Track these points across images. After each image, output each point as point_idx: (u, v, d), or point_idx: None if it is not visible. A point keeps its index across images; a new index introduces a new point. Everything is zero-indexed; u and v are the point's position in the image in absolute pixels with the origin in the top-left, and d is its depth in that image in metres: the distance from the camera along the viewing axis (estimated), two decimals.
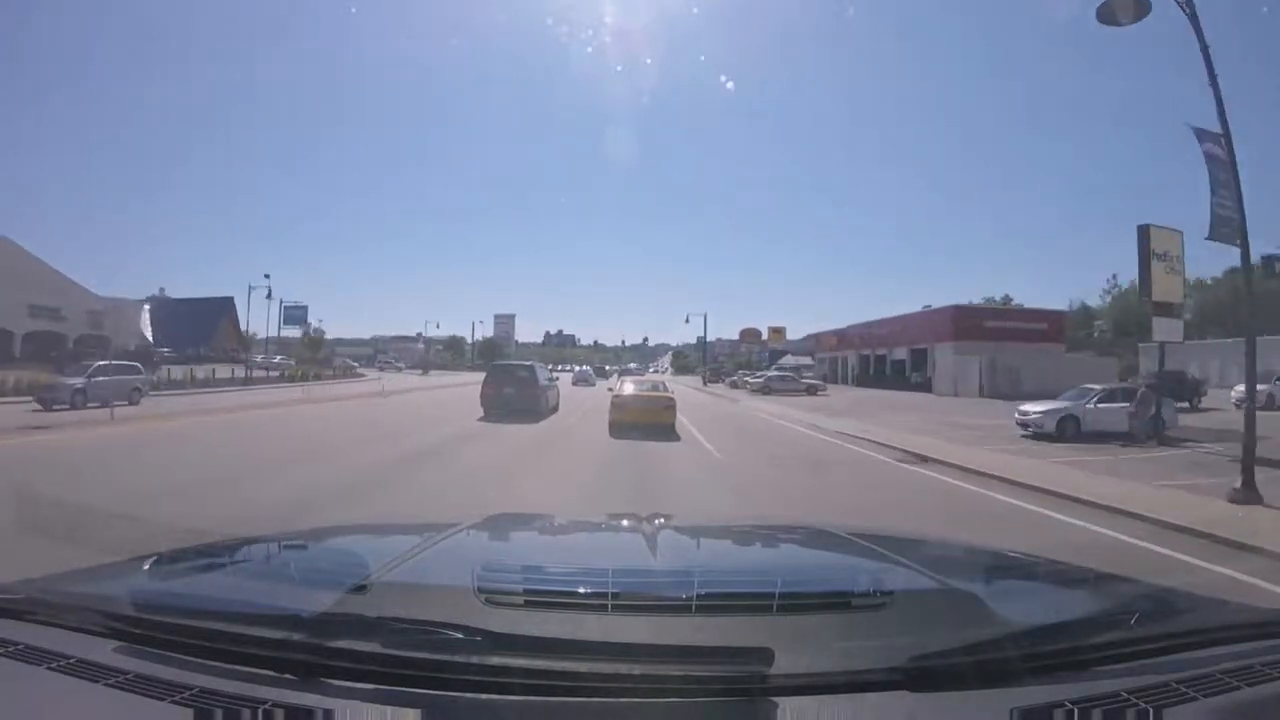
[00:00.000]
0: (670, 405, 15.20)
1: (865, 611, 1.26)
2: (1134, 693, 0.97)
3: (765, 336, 67.22)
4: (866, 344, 55.88)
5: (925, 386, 42.72)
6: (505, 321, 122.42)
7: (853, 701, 0.95)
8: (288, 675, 0.99)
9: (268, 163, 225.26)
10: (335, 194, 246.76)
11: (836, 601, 1.34)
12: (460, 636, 0.98)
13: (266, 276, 69.04)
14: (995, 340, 41.15)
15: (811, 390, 39.51)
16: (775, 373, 45.49)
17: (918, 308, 53.56)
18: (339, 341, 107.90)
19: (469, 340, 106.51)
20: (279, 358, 54.57)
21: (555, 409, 19.82)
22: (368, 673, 0.97)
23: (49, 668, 1.05)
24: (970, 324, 43.47)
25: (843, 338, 61.25)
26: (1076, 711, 0.93)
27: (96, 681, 1.00)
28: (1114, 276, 68.91)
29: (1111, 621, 1.23)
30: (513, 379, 18.90)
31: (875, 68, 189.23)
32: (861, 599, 1.31)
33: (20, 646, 1.11)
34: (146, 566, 1.60)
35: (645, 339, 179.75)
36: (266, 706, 0.91)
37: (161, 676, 1.00)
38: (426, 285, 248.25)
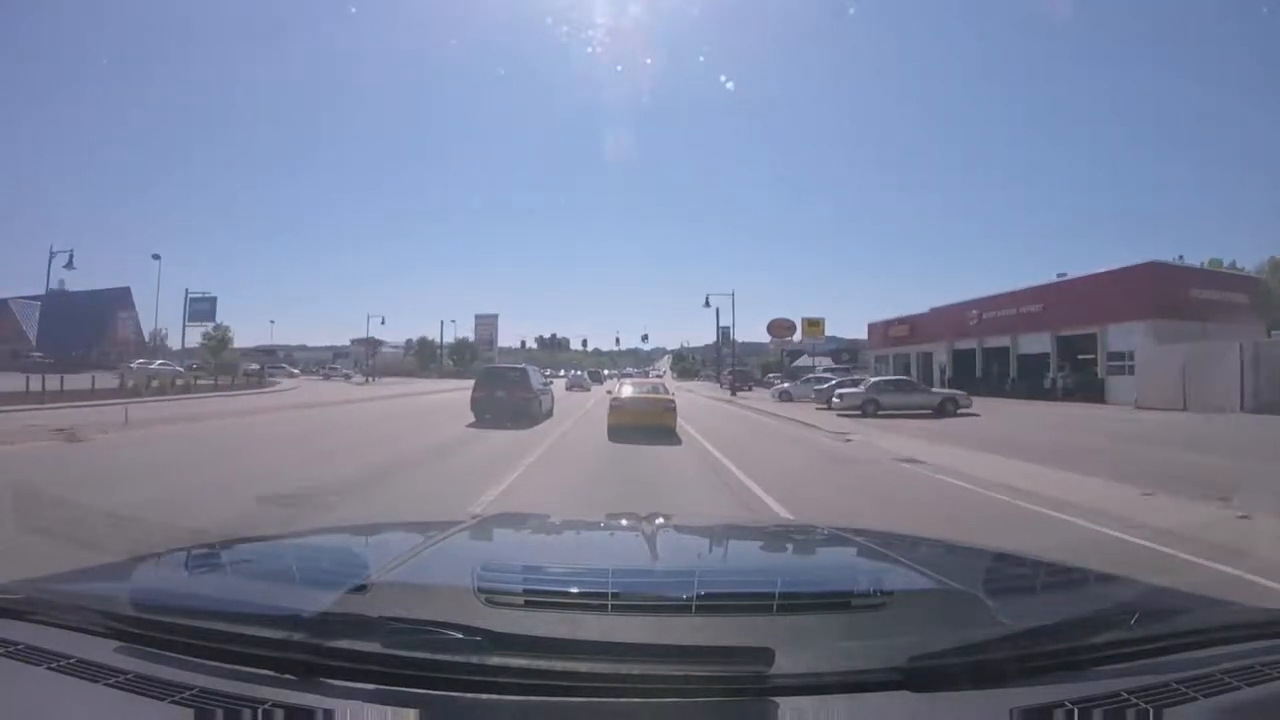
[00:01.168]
0: (671, 407, 15.26)
1: (865, 611, 1.26)
2: (1134, 693, 0.97)
3: (798, 332, 51.80)
4: (967, 332, 38.38)
5: (1084, 392, 28.55)
6: (487, 322, 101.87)
7: (852, 702, 0.95)
8: (288, 675, 0.99)
9: (249, 162, 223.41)
10: (320, 193, 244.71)
11: (836, 601, 1.34)
12: (460, 636, 0.98)
13: (155, 257, 55.34)
14: (1201, 320, 27.01)
15: (944, 406, 22.13)
16: (879, 377, 29.56)
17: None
18: (300, 347, 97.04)
19: (444, 342, 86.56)
20: (158, 362, 43.63)
21: (550, 414, 19.47)
22: (368, 673, 0.97)
23: (49, 668, 1.05)
24: (1177, 293, 28.30)
25: (919, 327, 44.10)
26: (1076, 711, 0.92)
27: (96, 681, 1.01)
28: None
29: (1111, 621, 1.23)
30: (504, 383, 18.38)
31: (875, 65, 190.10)
32: (861, 599, 1.32)
33: (20, 646, 1.11)
34: (146, 566, 1.60)
35: (645, 335, 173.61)
36: (266, 706, 0.91)
37: (161, 676, 1.00)
38: (414, 289, 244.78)
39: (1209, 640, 1.16)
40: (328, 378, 59.60)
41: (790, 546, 2.23)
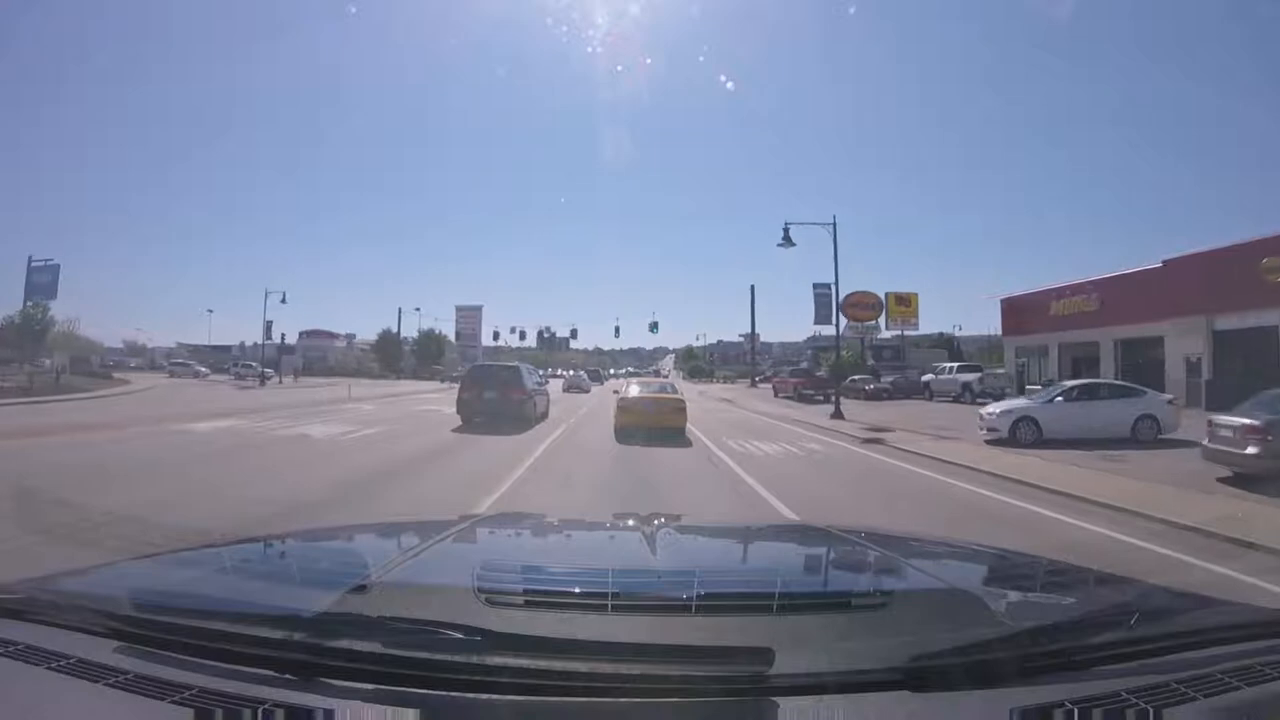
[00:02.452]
0: (680, 407, 15.16)
1: (865, 611, 1.27)
2: (1134, 693, 0.97)
3: (884, 313, 37.02)
4: (1249, 299, 20.47)
5: None
6: (470, 314, 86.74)
7: (853, 702, 0.95)
8: (288, 675, 0.99)
9: (245, 160, 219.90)
10: (309, 192, 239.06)
11: (836, 601, 1.35)
12: (460, 636, 0.98)
13: None
14: None
15: None
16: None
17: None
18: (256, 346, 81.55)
19: (407, 336, 72.59)
20: None
21: (544, 416, 18.56)
22: (368, 673, 0.97)
23: (49, 668, 1.05)
24: None
25: (1121, 296, 25.69)
26: (1076, 711, 0.92)
27: (96, 681, 1.00)
28: None
29: (1111, 621, 1.23)
30: (494, 383, 16.94)
31: (874, 64, 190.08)
32: (861, 599, 1.32)
33: (20, 646, 1.11)
34: (146, 566, 1.60)
35: (654, 323, 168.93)
36: (266, 706, 0.91)
37: (161, 676, 1.00)
38: (410, 288, 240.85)
39: (1209, 640, 1.16)
40: (240, 376, 48.40)
41: (790, 546, 2.23)
